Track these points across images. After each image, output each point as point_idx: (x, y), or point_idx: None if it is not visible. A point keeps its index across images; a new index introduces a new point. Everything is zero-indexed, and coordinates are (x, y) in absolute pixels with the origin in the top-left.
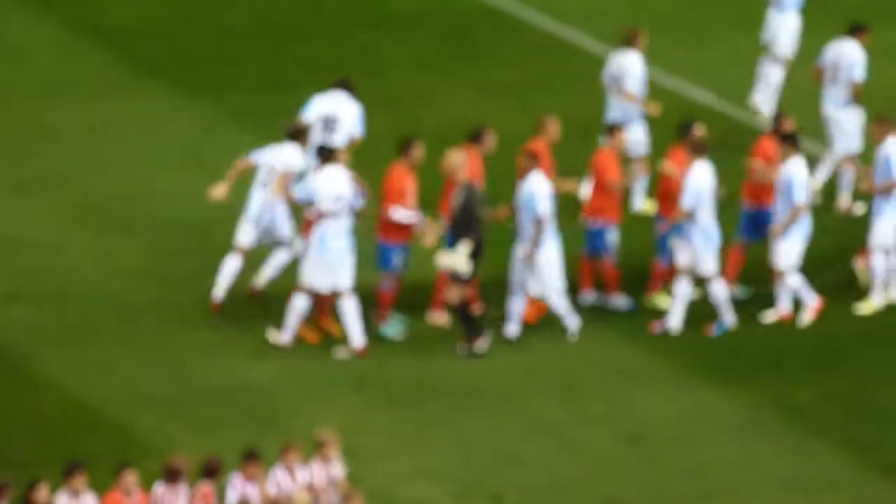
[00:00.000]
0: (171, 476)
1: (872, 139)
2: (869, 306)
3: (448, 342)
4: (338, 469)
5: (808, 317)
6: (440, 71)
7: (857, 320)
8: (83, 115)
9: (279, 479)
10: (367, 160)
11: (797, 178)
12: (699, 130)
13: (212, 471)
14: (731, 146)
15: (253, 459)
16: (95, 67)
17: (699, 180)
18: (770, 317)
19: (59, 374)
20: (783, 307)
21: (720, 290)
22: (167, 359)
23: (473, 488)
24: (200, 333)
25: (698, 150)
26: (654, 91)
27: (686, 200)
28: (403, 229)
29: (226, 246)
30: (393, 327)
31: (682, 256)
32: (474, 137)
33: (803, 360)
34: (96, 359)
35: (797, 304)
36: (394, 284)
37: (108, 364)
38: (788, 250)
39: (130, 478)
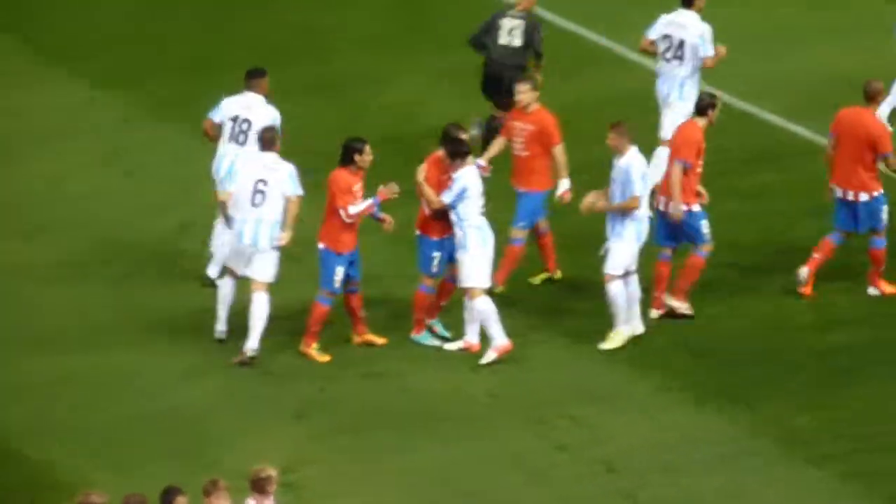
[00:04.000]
0: None
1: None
2: (615, 339)
3: (404, 359)
4: None
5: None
6: (389, 53)
7: (864, 334)
8: None
9: None
10: (309, 150)
11: (635, 169)
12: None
13: None
14: None
15: (178, 496)
16: None
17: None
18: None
19: None
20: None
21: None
22: (83, 381)
23: None
24: (122, 352)
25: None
26: None
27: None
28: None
29: (147, 252)
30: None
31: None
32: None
33: (805, 379)
34: (1, 382)
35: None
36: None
37: (15, 388)
38: (622, 252)
39: None
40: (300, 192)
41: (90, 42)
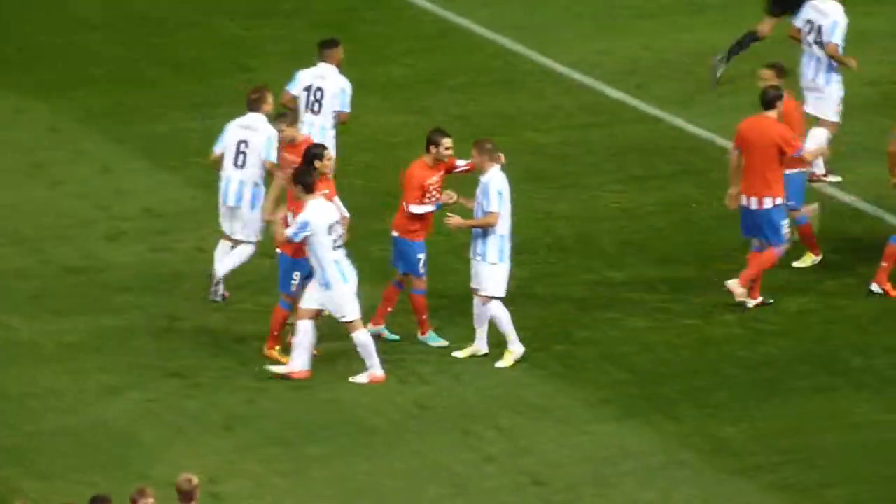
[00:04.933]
0: None
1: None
2: (508, 358)
3: (333, 372)
4: None
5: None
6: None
7: (792, 347)
8: None
9: None
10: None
11: (493, 186)
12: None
13: None
14: None
15: None
16: None
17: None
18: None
19: None
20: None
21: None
22: (6, 396)
23: None
24: (45, 366)
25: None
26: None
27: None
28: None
29: (68, 266)
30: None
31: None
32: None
33: (733, 391)
34: None
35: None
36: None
37: None
38: (495, 273)
39: None
40: (273, 159)
41: (17, 53)
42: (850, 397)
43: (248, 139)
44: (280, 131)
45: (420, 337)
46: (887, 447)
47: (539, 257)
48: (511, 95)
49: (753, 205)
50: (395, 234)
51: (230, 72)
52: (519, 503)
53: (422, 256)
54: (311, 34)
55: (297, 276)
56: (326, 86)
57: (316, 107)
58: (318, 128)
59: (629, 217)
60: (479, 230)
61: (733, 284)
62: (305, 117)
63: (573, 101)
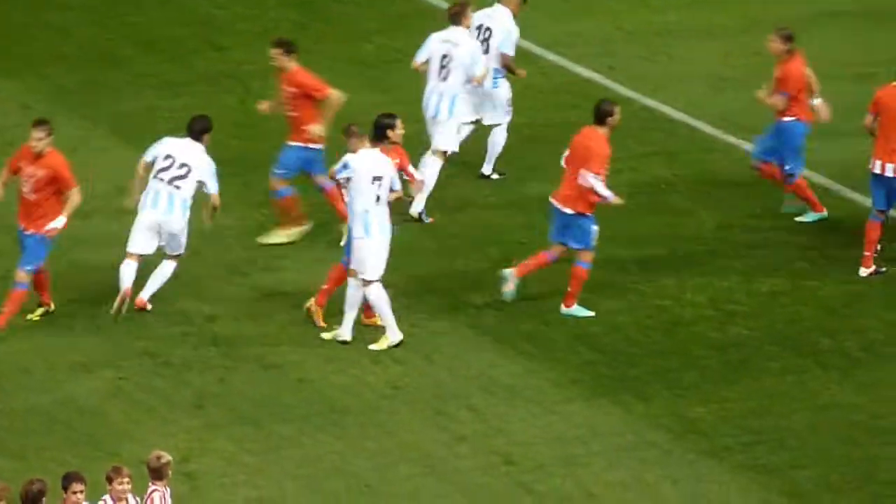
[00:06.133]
0: None
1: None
2: (383, 342)
3: (305, 352)
4: (167, 500)
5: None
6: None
7: (761, 328)
8: None
9: None
10: (217, 143)
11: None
12: None
13: (34, 498)
14: None
15: (74, 483)
16: None
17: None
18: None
19: None
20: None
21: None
22: None
23: None
24: (16, 345)
25: None
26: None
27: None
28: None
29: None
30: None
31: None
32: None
33: (702, 372)
34: None
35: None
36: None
37: None
38: (377, 257)
39: None
40: (479, 73)
41: None
42: (820, 379)
43: (450, 53)
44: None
45: (563, 310)
46: (856, 429)
47: (511, 237)
48: None
49: (889, 171)
50: None
51: (202, 50)
52: (490, 483)
53: (596, 228)
54: (282, 12)
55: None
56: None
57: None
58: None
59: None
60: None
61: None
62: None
63: (545, 82)
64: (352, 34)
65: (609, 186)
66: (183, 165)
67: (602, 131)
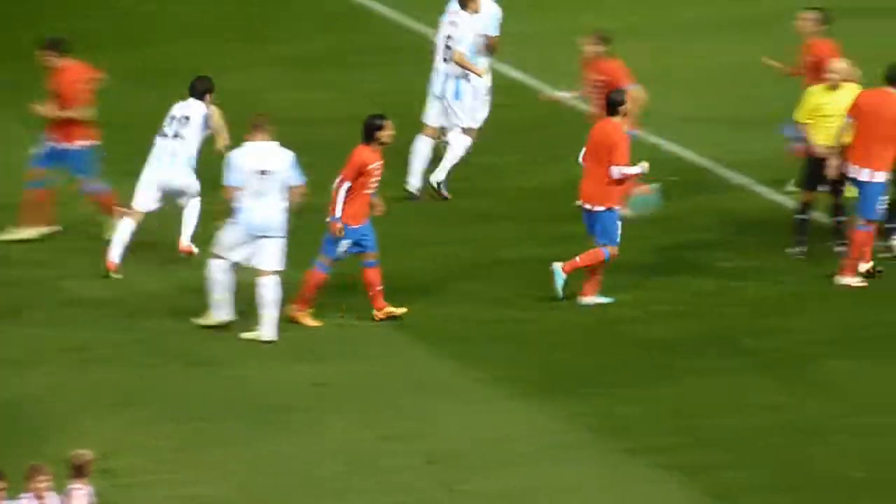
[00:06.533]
0: None
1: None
2: (205, 318)
3: (231, 349)
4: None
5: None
6: (234, 41)
7: (686, 328)
8: None
9: None
10: (133, 140)
11: (232, 159)
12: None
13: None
14: None
15: None
16: None
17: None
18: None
19: None
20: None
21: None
22: None
23: None
24: None
25: None
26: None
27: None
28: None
29: None
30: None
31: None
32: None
33: (627, 372)
34: None
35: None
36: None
37: None
38: (226, 232)
39: None
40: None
41: None
42: (745, 379)
43: (453, 34)
44: None
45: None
46: (780, 430)
47: (436, 240)
48: (415, 73)
49: (865, 176)
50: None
51: (123, 47)
52: (415, 482)
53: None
54: (210, 10)
55: (345, 243)
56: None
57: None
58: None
59: (530, 197)
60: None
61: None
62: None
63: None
64: (289, 33)
65: (540, 185)
66: (184, 118)
67: (617, 121)
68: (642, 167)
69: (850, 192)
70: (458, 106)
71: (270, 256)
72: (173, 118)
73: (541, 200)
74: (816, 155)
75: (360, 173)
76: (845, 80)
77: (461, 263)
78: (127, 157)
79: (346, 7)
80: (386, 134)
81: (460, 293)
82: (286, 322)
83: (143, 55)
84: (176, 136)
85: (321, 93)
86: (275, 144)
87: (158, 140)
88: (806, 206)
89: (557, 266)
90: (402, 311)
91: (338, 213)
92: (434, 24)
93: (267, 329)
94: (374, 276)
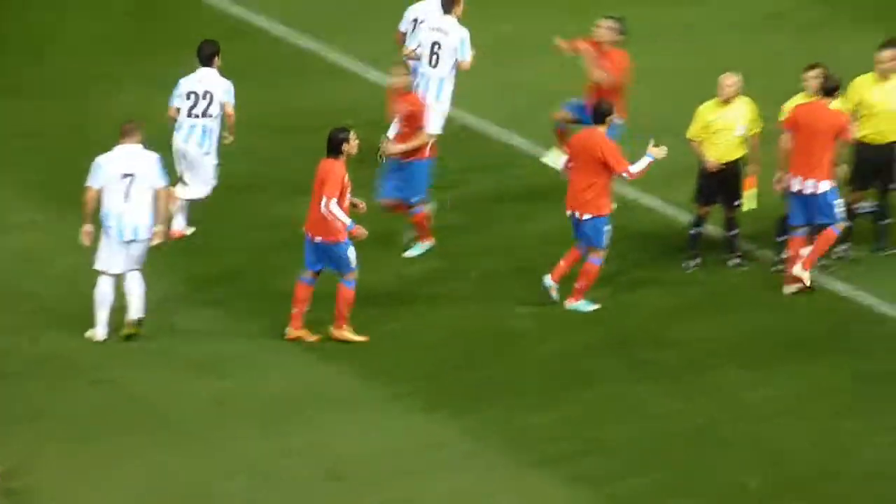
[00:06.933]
0: None
1: None
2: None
3: (135, 366)
4: None
5: None
6: (119, 56)
7: (580, 341)
8: None
9: None
10: (41, 152)
11: (98, 162)
12: None
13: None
14: None
15: None
16: None
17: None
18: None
19: None
20: None
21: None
22: None
23: None
24: None
25: None
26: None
27: None
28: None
29: None
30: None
31: None
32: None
33: (529, 384)
34: None
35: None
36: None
37: None
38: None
39: None
40: (468, 58)
41: None
42: (646, 389)
43: (441, 41)
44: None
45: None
46: (679, 437)
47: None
48: (312, 90)
49: (809, 188)
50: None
51: (25, 60)
52: (319, 495)
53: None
54: (106, 26)
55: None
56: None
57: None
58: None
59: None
60: None
61: (798, 271)
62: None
63: (372, 98)
64: (179, 50)
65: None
66: (206, 94)
67: (603, 130)
68: (661, 150)
69: (748, 205)
70: (437, 108)
71: (138, 259)
72: (195, 95)
73: (436, 214)
74: (709, 170)
75: (343, 186)
76: (735, 95)
77: (362, 278)
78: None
79: (238, 27)
80: (353, 146)
81: (362, 306)
82: (192, 340)
83: (28, 70)
84: (205, 115)
85: None
86: (140, 147)
87: (186, 121)
88: (700, 220)
89: (567, 304)
90: (316, 337)
91: (349, 222)
92: (319, 38)
93: (100, 329)
94: (308, 293)
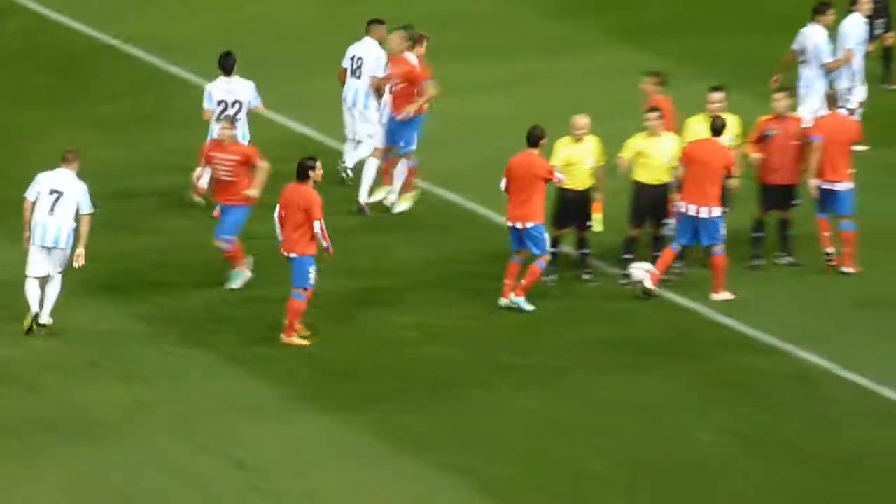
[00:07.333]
0: None
1: None
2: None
3: (61, 369)
4: None
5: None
6: (45, 105)
7: (459, 348)
8: None
9: None
10: None
11: (37, 178)
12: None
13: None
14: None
15: None
16: None
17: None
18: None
19: None
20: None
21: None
22: None
23: None
24: None
25: None
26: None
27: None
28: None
29: None
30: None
31: None
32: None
33: (412, 387)
34: None
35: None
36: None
37: None
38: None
39: None
40: (381, 74)
41: None
42: (511, 390)
43: (362, 56)
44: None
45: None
46: (536, 432)
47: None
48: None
49: (704, 213)
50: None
51: None
52: (229, 487)
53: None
54: (38, 78)
55: (312, 269)
56: (364, 55)
57: (357, 73)
58: (362, 91)
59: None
60: None
61: (717, 296)
62: (351, 81)
63: (270, 138)
64: (100, 96)
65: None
66: (236, 102)
67: (537, 152)
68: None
69: (597, 227)
70: (367, 115)
71: (59, 264)
72: (224, 103)
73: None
74: (566, 198)
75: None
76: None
77: (262, 294)
78: None
79: (153, 74)
80: (319, 173)
81: (262, 320)
82: (119, 346)
83: None
84: (237, 118)
85: (125, 149)
86: (73, 174)
87: (217, 125)
88: (555, 242)
89: (513, 298)
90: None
91: (328, 243)
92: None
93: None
94: (302, 305)
